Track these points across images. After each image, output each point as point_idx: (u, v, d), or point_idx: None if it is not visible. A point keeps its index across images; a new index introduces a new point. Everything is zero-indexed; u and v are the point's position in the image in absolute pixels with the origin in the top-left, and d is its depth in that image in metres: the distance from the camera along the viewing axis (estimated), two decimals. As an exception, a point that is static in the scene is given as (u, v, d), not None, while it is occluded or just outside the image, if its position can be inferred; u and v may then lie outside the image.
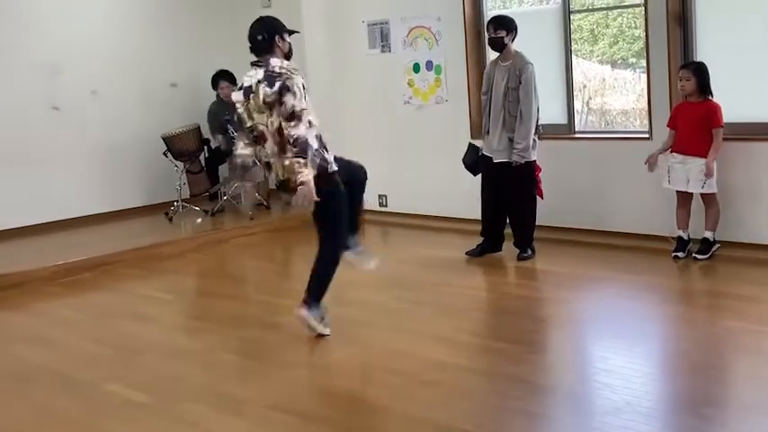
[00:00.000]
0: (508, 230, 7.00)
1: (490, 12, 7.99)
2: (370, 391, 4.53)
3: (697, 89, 6.31)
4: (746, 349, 4.76)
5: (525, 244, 6.88)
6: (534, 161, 6.72)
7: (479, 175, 6.96)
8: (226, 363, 5.05)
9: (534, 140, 6.66)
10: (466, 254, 6.95)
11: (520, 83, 6.54)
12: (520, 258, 6.81)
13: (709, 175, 6.25)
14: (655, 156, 6.53)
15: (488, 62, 6.82)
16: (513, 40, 6.66)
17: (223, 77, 9.11)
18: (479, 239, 7.02)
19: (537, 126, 6.67)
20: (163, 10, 9.73)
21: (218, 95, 9.20)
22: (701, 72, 6.32)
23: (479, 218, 7.07)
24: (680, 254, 6.49)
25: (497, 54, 6.76)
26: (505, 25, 6.63)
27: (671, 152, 6.49)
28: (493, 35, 6.64)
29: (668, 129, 6.54)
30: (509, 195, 6.79)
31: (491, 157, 6.75)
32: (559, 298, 5.90)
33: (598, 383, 4.39)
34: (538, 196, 6.87)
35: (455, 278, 6.53)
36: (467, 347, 5.12)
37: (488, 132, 6.76)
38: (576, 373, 4.63)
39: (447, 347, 5.02)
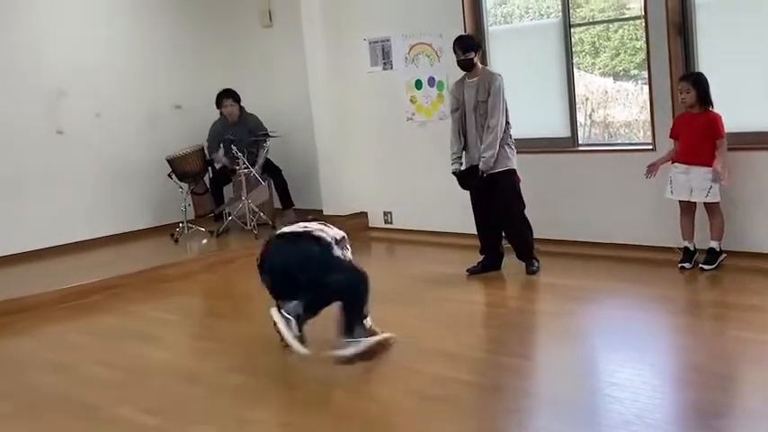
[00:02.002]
0: (507, 245, 6.98)
1: (491, 27, 8.03)
2: (379, 410, 4.51)
3: (697, 100, 6.31)
4: (754, 359, 4.75)
5: (527, 256, 6.84)
6: (514, 170, 6.73)
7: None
8: (234, 384, 5.04)
9: (512, 149, 6.70)
10: (467, 271, 6.93)
11: (489, 95, 6.60)
12: (528, 272, 6.78)
13: (715, 175, 6.19)
14: (656, 163, 6.52)
15: (454, 82, 6.94)
16: (479, 58, 6.80)
17: (227, 96, 9.17)
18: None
19: (509, 135, 6.70)
20: (165, 32, 9.78)
21: (221, 114, 9.25)
22: (699, 83, 6.32)
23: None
24: (686, 264, 6.47)
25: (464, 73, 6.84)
26: (473, 46, 6.76)
27: (672, 162, 6.49)
28: (463, 57, 6.72)
29: (671, 139, 6.56)
30: (497, 208, 6.78)
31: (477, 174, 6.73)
32: (565, 311, 5.89)
33: (607, 396, 4.38)
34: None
35: (461, 293, 6.53)
36: (474, 362, 5.12)
37: (466, 149, 6.81)
38: (584, 386, 4.61)
39: (454, 363, 5.02)
